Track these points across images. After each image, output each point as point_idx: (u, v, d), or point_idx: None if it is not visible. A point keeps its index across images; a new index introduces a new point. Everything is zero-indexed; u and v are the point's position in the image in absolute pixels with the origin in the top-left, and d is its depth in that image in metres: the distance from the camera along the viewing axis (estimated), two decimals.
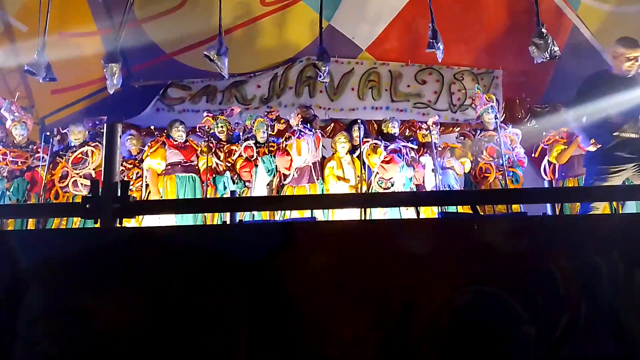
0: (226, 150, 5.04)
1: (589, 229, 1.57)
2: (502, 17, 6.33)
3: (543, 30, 4.04)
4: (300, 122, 4.85)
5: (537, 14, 4.20)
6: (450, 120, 6.60)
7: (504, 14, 6.32)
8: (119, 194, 1.71)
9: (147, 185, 4.93)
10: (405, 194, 3.99)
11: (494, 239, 1.52)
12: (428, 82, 6.76)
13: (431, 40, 4.15)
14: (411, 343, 1.39)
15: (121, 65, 4.73)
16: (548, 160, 5.01)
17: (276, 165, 4.82)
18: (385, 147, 4.77)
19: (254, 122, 5.06)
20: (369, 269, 1.48)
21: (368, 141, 4.77)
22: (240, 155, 4.97)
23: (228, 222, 3.39)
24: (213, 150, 4.99)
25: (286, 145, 4.76)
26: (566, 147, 4.84)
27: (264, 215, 4.48)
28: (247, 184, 4.97)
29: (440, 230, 1.65)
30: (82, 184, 4.71)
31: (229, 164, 4.99)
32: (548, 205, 3.15)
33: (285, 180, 4.82)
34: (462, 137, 5.30)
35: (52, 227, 4.39)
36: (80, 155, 4.82)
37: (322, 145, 5.04)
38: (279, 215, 4.36)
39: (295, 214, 4.30)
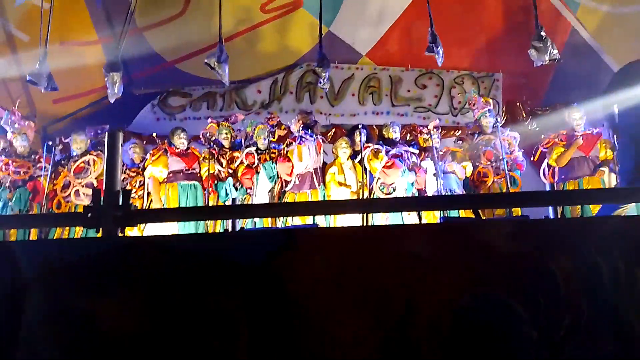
0: (228, 157, 5.05)
1: (589, 231, 1.57)
2: (502, 19, 6.35)
3: (542, 33, 4.05)
4: (301, 128, 4.86)
5: (536, 16, 4.21)
6: (452, 124, 6.61)
7: (503, 16, 6.34)
8: (120, 203, 1.72)
9: (149, 194, 4.93)
10: (407, 199, 3.99)
11: (496, 242, 1.52)
12: (428, 87, 6.78)
13: (431, 44, 4.16)
14: (412, 346, 1.40)
15: (122, 73, 4.75)
16: (547, 163, 4.98)
17: (277, 172, 4.82)
18: (387, 152, 4.77)
19: (254, 129, 5.07)
20: (370, 274, 1.49)
21: (369, 146, 4.78)
22: (241, 162, 4.98)
23: (230, 230, 3.39)
24: (216, 157, 5.00)
25: (287, 151, 4.77)
26: (565, 149, 4.83)
27: (266, 222, 4.48)
28: (248, 190, 4.97)
29: (441, 235, 1.65)
30: (84, 193, 4.71)
31: (231, 171, 5.00)
32: (550, 208, 3.14)
33: (286, 186, 4.82)
34: (460, 141, 5.30)
35: (55, 237, 4.40)
36: (82, 165, 4.83)
37: (324, 151, 5.04)
38: (280, 222, 4.36)
39: (297, 221, 4.30)
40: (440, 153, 4.99)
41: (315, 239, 1.66)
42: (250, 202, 4.89)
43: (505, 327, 1.41)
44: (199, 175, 5.01)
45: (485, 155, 4.94)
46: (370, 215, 4.19)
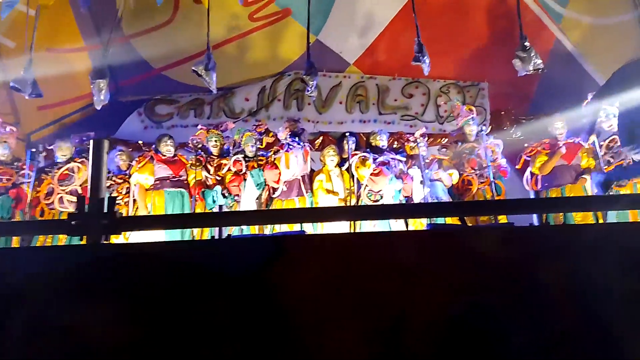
0: (216, 165, 5.03)
1: (575, 238, 1.59)
2: (487, 30, 6.46)
3: (526, 43, 4.13)
4: (288, 136, 4.86)
5: (520, 27, 4.29)
6: (438, 131, 6.67)
7: (488, 27, 6.45)
8: (106, 210, 1.70)
9: (134, 201, 4.88)
10: (394, 206, 4.00)
11: (484, 249, 1.54)
12: (415, 96, 6.84)
13: (417, 54, 4.21)
14: (404, 353, 1.40)
15: (108, 81, 4.72)
16: (531, 171, 5.04)
17: (265, 179, 4.81)
18: (374, 160, 4.79)
19: (242, 136, 5.06)
20: (360, 281, 1.49)
21: (357, 154, 4.80)
22: (229, 170, 4.96)
23: (217, 237, 3.37)
24: (203, 164, 4.97)
25: (275, 158, 4.77)
26: (549, 158, 4.89)
27: (253, 230, 4.46)
28: (236, 198, 4.95)
29: (429, 242, 1.66)
30: (68, 200, 4.65)
31: (219, 178, 4.98)
32: (534, 215, 3.18)
33: (274, 193, 4.82)
34: (444, 149, 5.34)
35: (38, 245, 4.33)
36: (66, 172, 4.77)
37: (311, 158, 5.05)
38: (268, 230, 4.34)
39: (285, 228, 4.29)
40: (427, 161, 5.03)
41: (304, 246, 1.66)
42: (237, 209, 4.87)
43: (493, 334, 1.42)
44: (185, 182, 4.98)
45: (469, 164, 4.99)
46: (358, 222, 4.19)
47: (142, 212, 4.76)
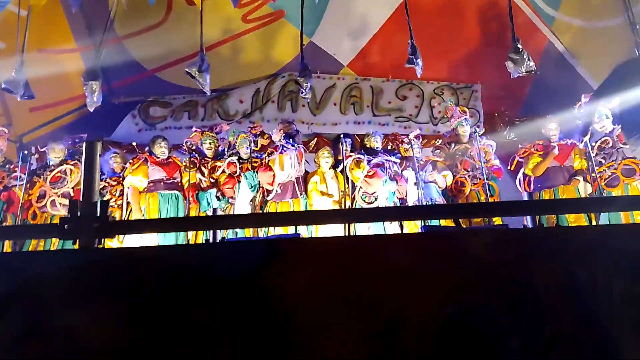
0: (210, 167, 5.01)
1: (570, 240, 1.60)
2: (480, 32, 6.49)
3: (519, 45, 4.15)
4: (282, 138, 4.85)
5: (513, 29, 4.32)
6: (432, 133, 6.69)
7: (481, 29, 6.48)
8: (98, 214, 1.68)
9: (128, 203, 4.85)
10: (388, 208, 4.01)
11: (479, 251, 1.54)
12: (409, 97, 6.86)
13: (410, 56, 4.23)
14: (401, 355, 1.39)
15: (101, 82, 4.70)
16: (523, 173, 5.07)
17: (259, 181, 4.80)
18: (369, 162, 4.80)
19: (237, 138, 5.05)
20: (355, 284, 1.49)
21: (351, 156, 4.80)
22: (223, 172, 4.94)
23: (211, 240, 3.35)
24: (197, 166, 4.95)
25: (269, 160, 4.76)
26: (542, 159, 4.92)
27: (247, 232, 4.45)
28: (230, 200, 4.93)
29: (423, 244, 1.66)
30: (60, 204, 4.61)
31: (213, 180, 4.96)
32: (528, 217, 3.20)
33: (268, 195, 4.80)
34: (438, 151, 5.36)
35: (30, 249, 4.29)
36: (58, 174, 4.73)
37: (305, 160, 5.04)
38: (262, 232, 4.33)
39: (280, 230, 4.28)
40: (421, 162, 5.04)
41: (299, 249, 1.65)
42: (231, 211, 4.85)
43: (488, 338, 1.42)
44: (180, 184, 4.95)
45: (462, 165, 5.01)
46: (352, 224, 4.19)
47: (136, 214, 4.73)
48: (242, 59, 6.77)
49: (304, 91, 4.43)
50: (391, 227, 4.39)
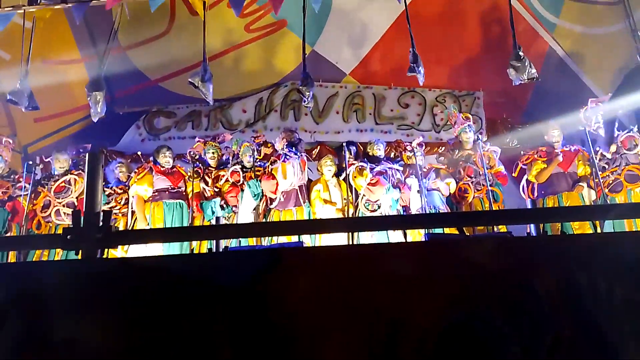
0: (214, 176, 5.03)
1: (572, 248, 1.59)
2: (481, 39, 6.51)
3: (520, 53, 4.15)
4: (285, 146, 4.87)
5: (514, 36, 4.32)
6: (435, 140, 6.69)
7: (482, 36, 6.50)
8: (100, 224, 1.69)
9: (133, 212, 4.88)
10: (391, 217, 4.00)
11: (481, 259, 1.54)
12: (411, 105, 6.87)
13: (412, 65, 4.24)
14: None
15: (105, 92, 4.73)
16: (527, 179, 5.05)
17: (262, 190, 4.81)
18: (371, 170, 4.80)
19: (240, 147, 5.07)
20: (355, 292, 1.49)
21: (354, 164, 4.81)
22: (226, 180, 4.96)
23: (214, 249, 3.36)
24: (201, 176, 4.98)
25: (272, 169, 4.77)
26: (546, 166, 4.90)
27: (251, 241, 4.45)
28: (234, 208, 4.95)
29: (426, 253, 1.66)
30: (64, 213, 4.64)
31: (217, 190, 4.98)
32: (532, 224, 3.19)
33: (271, 204, 4.81)
34: (442, 158, 5.36)
35: (34, 259, 4.30)
36: (62, 184, 4.76)
37: (308, 168, 5.05)
38: (266, 241, 4.33)
39: (283, 238, 4.28)
40: (424, 170, 5.04)
41: (300, 258, 1.66)
42: (235, 220, 4.86)
43: (489, 345, 1.41)
44: (184, 193, 4.97)
45: (465, 172, 5.00)
46: (356, 232, 4.19)
47: (140, 223, 4.75)
48: (245, 69, 6.81)
49: (306, 100, 4.44)
50: (394, 235, 4.38)
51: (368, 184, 4.71)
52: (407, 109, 6.84)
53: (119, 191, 5.05)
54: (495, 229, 4.24)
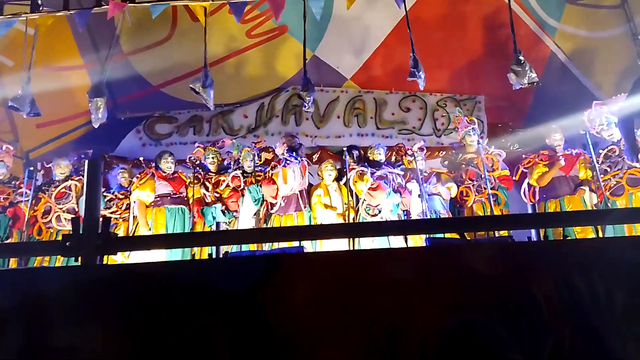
0: (214, 181, 5.04)
1: (572, 253, 1.59)
2: (482, 44, 6.52)
3: (521, 57, 4.16)
4: (285, 151, 4.87)
5: (514, 41, 4.33)
6: (436, 145, 6.69)
7: (483, 41, 6.51)
8: (100, 231, 1.69)
9: (135, 217, 4.88)
10: (392, 222, 4.00)
11: (481, 265, 1.53)
12: (412, 109, 6.88)
13: (412, 69, 4.24)
14: None
15: (106, 98, 4.75)
16: (528, 183, 5.03)
17: (263, 195, 4.81)
18: (372, 174, 4.80)
19: (241, 152, 5.08)
20: (355, 298, 1.48)
21: (354, 168, 4.80)
22: (227, 185, 4.96)
23: (214, 255, 3.36)
24: (202, 182, 4.98)
25: (272, 174, 4.77)
26: (547, 169, 4.89)
27: (252, 246, 4.44)
28: (235, 214, 4.95)
29: (426, 258, 1.66)
30: (65, 219, 4.65)
31: (217, 195, 4.99)
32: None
33: (272, 209, 4.81)
34: (446, 162, 5.35)
35: (35, 264, 4.31)
36: (63, 190, 4.77)
37: (309, 173, 5.05)
38: (266, 245, 4.33)
39: (284, 243, 4.27)
40: (425, 174, 5.03)
41: (300, 264, 1.65)
42: (235, 225, 4.86)
43: (490, 350, 1.41)
44: (186, 199, 4.98)
45: (467, 175, 4.99)
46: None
47: (142, 228, 4.76)
48: (246, 74, 6.83)
49: (306, 105, 4.45)
50: (395, 240, 4.37)
51: (369, 189, 4.70)
52: (408, 113, 6.85)
53: (121, 196, 5.06)
54: (496, 233, 4.23)
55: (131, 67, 6.48)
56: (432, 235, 3.81)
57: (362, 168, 4.83)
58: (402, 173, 4.98)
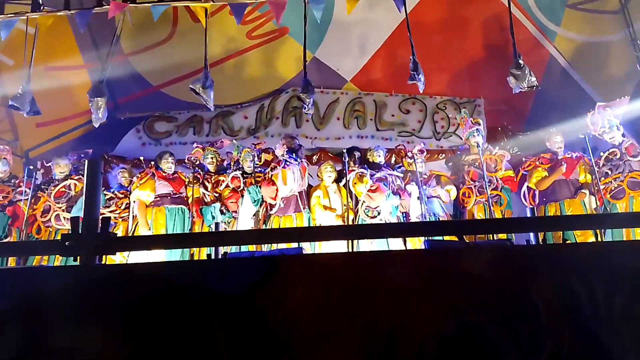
0: (213, 181, 5.04)
1: (571, 257, 1.59)
2: (482, 47, 6.53)
3: (520, 61, 4.16)
4: (285, 152, 4.88)
5: (514, 44, 4.33)
6: (435, 147, 6.69)
7: (483, 44, 6.52)
8: (99, 231, 1.69)
9: (134, 217, 4.88)
10: (391, 225, 4.00)
11: (480, 268, 1.53)
12: (412, 112, 6.89)
13: (412, 72, 4.25)
14: None
15: (107, 98, 4.75)
16: (527, 186, 5.04)
17: (262, 196, 4.81)
18: (371, 176, 4.80)
19: (240, 153, 5.08)
20: (354, 301, 1.48)
21: (354, 170, 4.81)
22: (227, 186, 4.97)
23: (213, 255, 3.36)
24: (201, 181, 4.99)
25: (271, 175, 4.78)
26: (547, 174, 4.89)
27: (250, 246, 4.44)
28: (234, 214, 4.95)
29: (425, 261, 1.66)
30: (64, 218, 4.65)
31: (217, 195, 4.99)
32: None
33: (271, 210, 4.81)
34: (450, 163, 5.36)
35: (34, 263, 4.30)
36: (62, 189, 4.77)
37: (309, 174, 5.05)
38: (265, 246, 4.32)
39: (282, 245, 4.27)
40: (425, 177, 5.04)
41: (299, 265, 1.65)
42: (235, 225, 4.86)
43: (488, 353, 1.41)
44: (186, 199, 4.98)
45: (469, 176, 4.99)
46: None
47: (142, 228, 4.76)
48: (247, 75, 6.83)
49: (306, 107, 4.45)
50: (394, 242, 4.37)
51: (368, 191, 4.70)
52: (408, 115, 6.85)
53: (120, 196, 5.06)
54: (495, 236, 4.23)
55: (131, 68, 6.48)
56: (431, 238, 3.81)
57: (361, 170, 4.83)
58: (402, 175, 4.99)
